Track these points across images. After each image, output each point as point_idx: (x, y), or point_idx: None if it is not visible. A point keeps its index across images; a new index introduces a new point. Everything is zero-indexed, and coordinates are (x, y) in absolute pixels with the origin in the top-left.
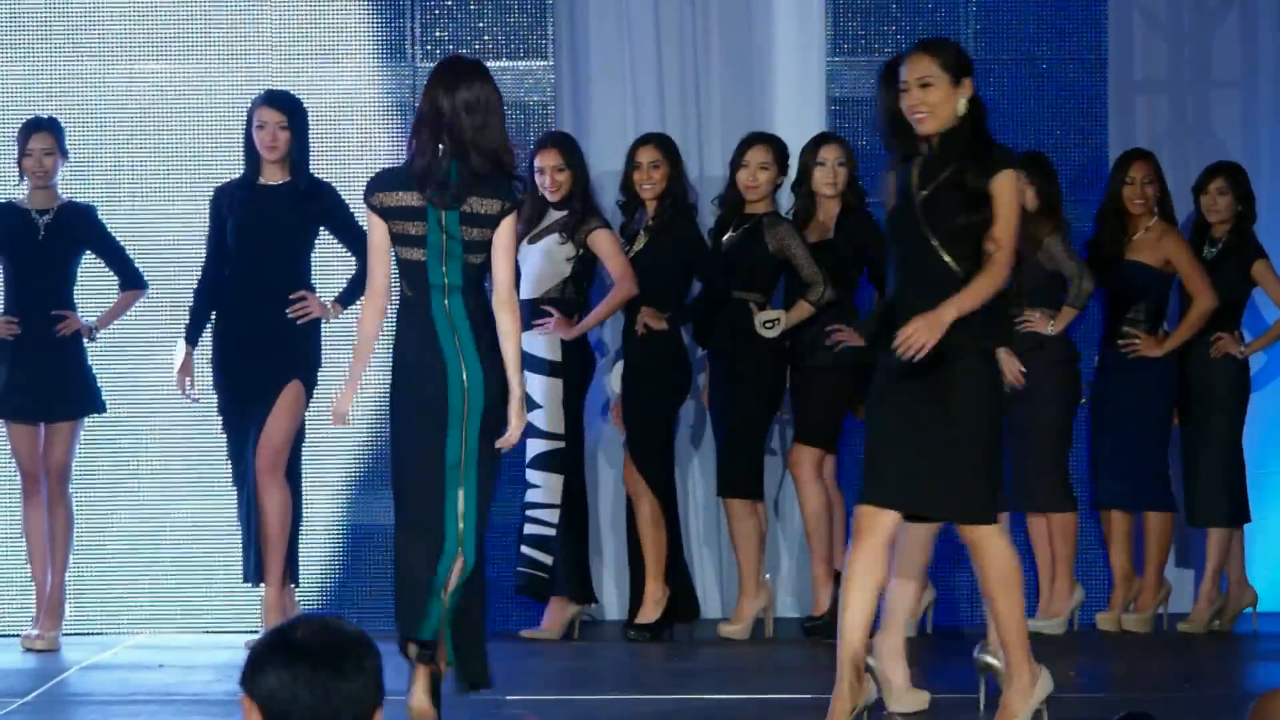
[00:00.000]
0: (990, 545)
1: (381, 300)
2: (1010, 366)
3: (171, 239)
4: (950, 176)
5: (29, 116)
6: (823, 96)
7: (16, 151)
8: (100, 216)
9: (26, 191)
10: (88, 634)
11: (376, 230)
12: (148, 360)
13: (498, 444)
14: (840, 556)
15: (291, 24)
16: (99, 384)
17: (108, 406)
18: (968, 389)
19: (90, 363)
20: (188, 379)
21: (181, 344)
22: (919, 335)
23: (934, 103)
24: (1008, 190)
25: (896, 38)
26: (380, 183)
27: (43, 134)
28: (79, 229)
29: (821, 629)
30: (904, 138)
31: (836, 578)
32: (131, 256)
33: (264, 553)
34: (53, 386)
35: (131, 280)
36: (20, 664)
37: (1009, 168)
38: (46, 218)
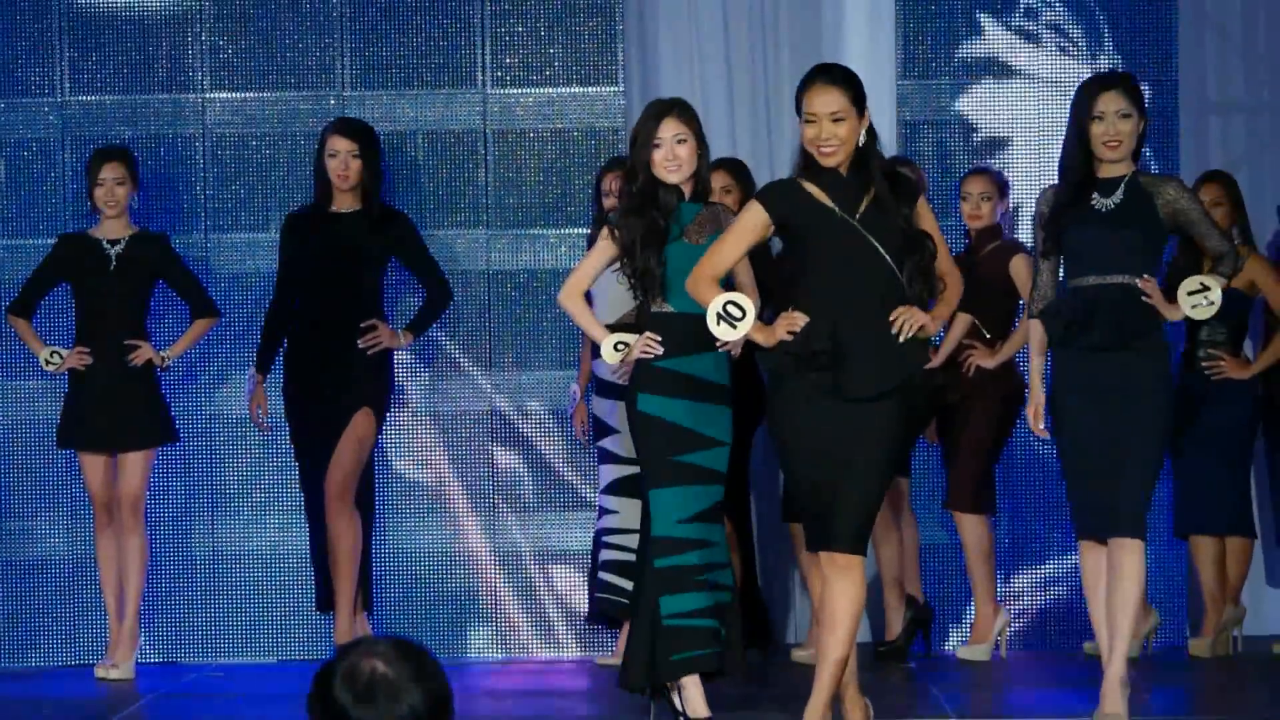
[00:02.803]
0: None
1: None
2: None
3: (245, 267)
4: (874, 202)
5: (101, 144)
6: (893, 119)
7: (87, 182)
8: (172, 244)
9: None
10: (161, 662)
11: None
12: (219, 386)
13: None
14: (912, 581)
15: (364, 52)
16: (172, 413)
17: (179, 436)
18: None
19: (164, 392)
20: (259, 407)
21: (253, 372)
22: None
23: (844, 136)
24: (929, 215)
25: (967, 61)
26: None
27: (114, 163)
28: (151, 258)
29: (894, 654)
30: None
31: (909, 602)
32: (204, 285)
33: (334, 580)
34: (124, 416)
35: (203, 309)
36: (95, 693)
37: (921, 194)
38: (118, 248)
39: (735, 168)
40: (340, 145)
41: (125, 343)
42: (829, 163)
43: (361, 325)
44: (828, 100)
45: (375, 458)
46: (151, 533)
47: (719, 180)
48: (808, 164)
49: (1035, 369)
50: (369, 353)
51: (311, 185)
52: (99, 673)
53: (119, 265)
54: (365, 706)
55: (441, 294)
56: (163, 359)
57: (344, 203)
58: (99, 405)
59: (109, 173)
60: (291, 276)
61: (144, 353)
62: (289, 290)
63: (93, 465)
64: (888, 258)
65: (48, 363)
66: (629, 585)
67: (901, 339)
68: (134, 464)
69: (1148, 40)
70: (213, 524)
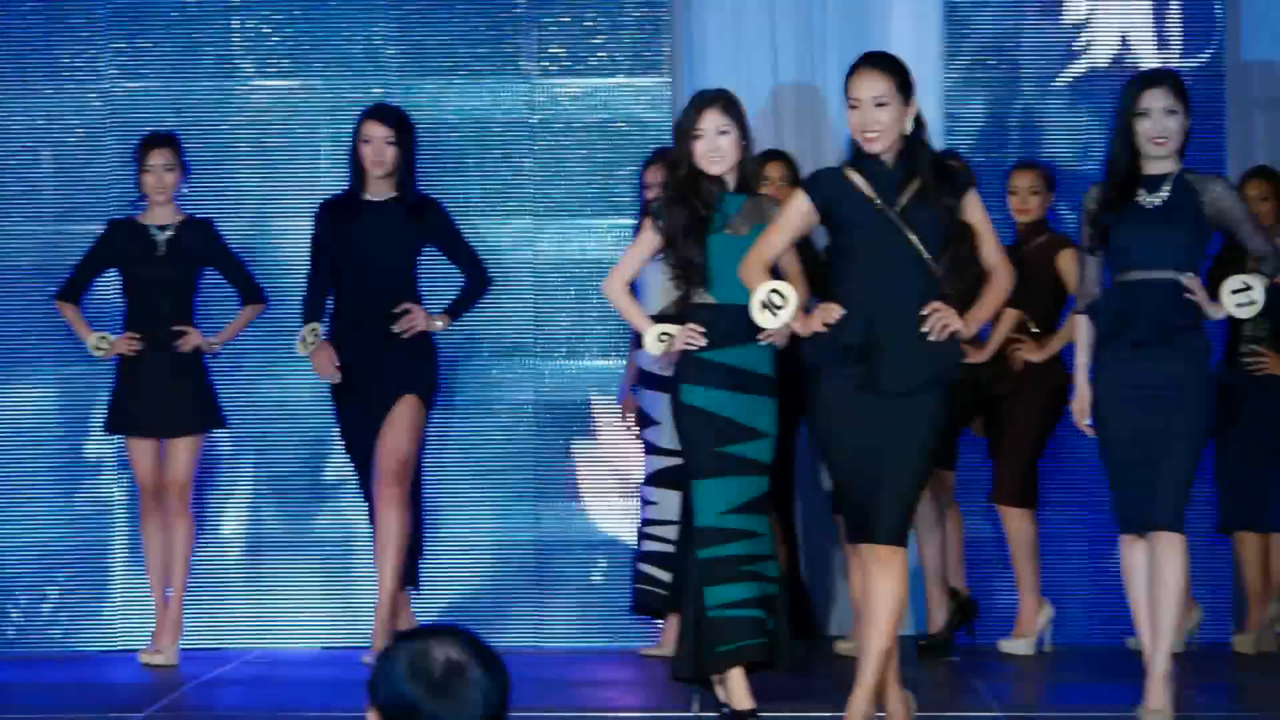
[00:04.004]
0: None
1: None
2: None
3: (291, 258)
4: (919, 193)
5: (149, 131)
6: (939, 113)
7: (135, 167)
8: (219, 230)
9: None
10: (206, 648)
11: None
12: (265, 376)
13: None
14: (955, 575)
15: (409, 40)
16: (219, 399)
17: (227, 422)
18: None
19: (212, 379)
20: (330, 361)
21: (313, 326)
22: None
23: (887, 122)
24: (979, 207)
25: (1014, 54)
26: None
27: (163, 149)
28: (199, 245)
29: (938, 647)
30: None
31: (952, 595)
32: (252, 271)
33: (379, 567)
34: (172, 402)
35: (251, 295)
36: (139, 679)
37: (971, 186)
38: (167, 234)
39: (784, 159)
40: (375, 131)
41: (173, 329)
42: (873, 149)
43: (395, 310)
44: (871, 85)
45: (422, 444)
46: (198, 519)
47: (776, 171)
48: (856, 153)
49: (1081, 364)
50: (405, 336)
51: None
52: (143, 658)
53: (168, 251)
54: (439, 695)
55: (479, 279)
56: (210, 345)
57: (379, 190)
58: (147, 391)
59: (158, 159)
60: (326, 264)
61: (192, 339)
62: (322, 279)
63: (141, 451)
64: (925, 251)
65: (96, 348)
66: (667, 577)
67: (933, 339)
68: (181, 450)
69: (1194, 34)
70: (259, 510)
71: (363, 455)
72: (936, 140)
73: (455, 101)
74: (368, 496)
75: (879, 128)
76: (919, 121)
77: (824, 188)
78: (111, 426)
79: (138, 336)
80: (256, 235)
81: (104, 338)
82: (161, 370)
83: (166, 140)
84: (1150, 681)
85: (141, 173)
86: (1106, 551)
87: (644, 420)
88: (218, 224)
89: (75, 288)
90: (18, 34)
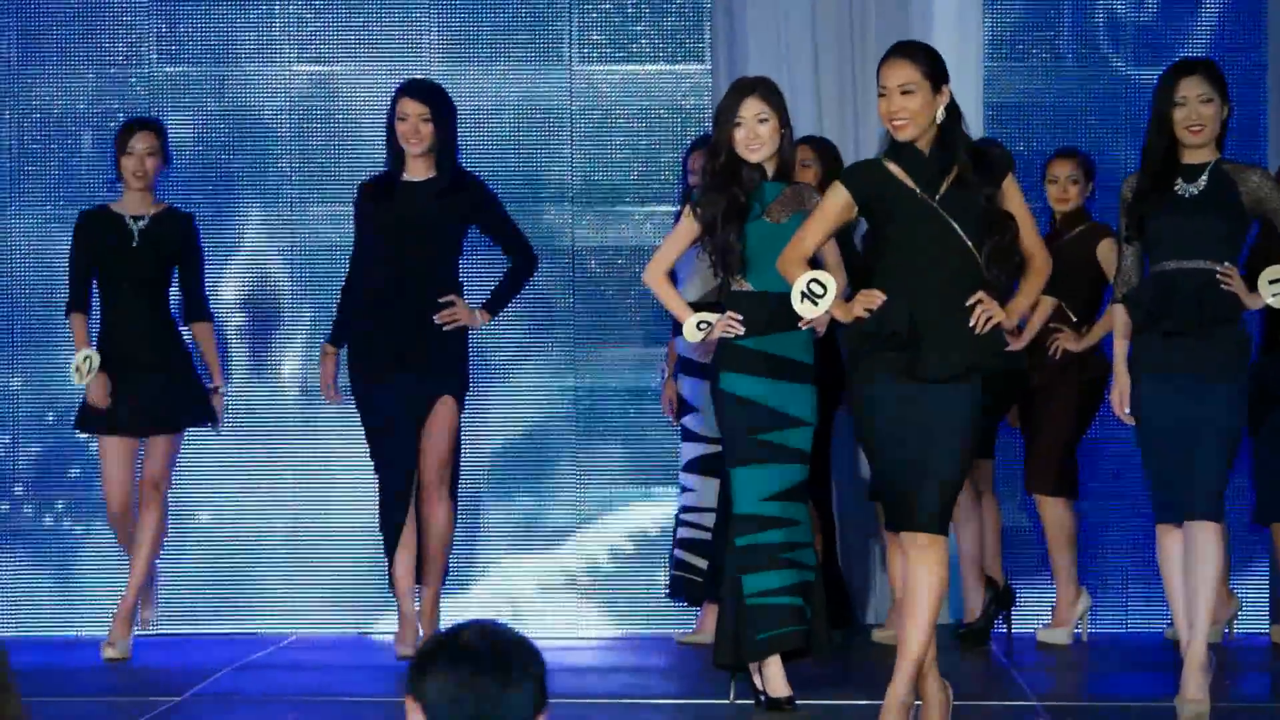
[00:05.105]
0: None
1: None
2: None
3: (327, 244)
4: (957, 181)
5: (187, 115)
6: (980, 102)
7: (115, 151)
8: (199, 227)
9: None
10: (243, 633)
11: None
12: (288, 362)
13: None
14: (993, 563)
15: (450, 27)
16: (206, 394)
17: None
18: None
19: (200, 376)
20: (332, 386)
21: (325, 345)
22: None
23: (914, 110)
24: (1017, 193)
25: (1056, 44)
26: None
27: (146, 133)
28: (174, 240)
29: (975, 636)
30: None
31: (990, 584)
32: (207, 286)
33: (424, 563)
34: (152, 400)
35: (198, 311)
36: (177, 663)
37: (1010, 173)
38: (142, 224)
39: (818, 145)
40: (410, 108)
41: (156, 320)
42: (902, 136)
43: (439, 300)
44: (896, 73)
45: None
46: (228, 508)
47: (799, 155)
48: (893, 144)
49: (1120, 354)
50: (444, 328)
51: None
52: (104, 652)
53: (142, 242)
54: (477, 682)
55: (525, 262)
56: (217, 394)
57: (417, 170)
58: (125, 392)
59: (140, 143)
60: (366, 249)
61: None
62: (365, 264)
63: (114, 454)
64: (967, 239)
65: (75, 368)
66: (704, 564)
67: (978, 331)
68: (158, 445)
69: (1236, 25)
70: (298, 498)
71: (384, 448)
72: (976, 129)
73: (496, 89)
74: (383, 485)
75: (906, 115)
76: (953, 110)
77: (862, 179)
78: (83, 425)
79: (111, 390)
80: (296, 221)
81: (89, 358)
82: (140, 369)
83: (151, 124)
84: (1187, 671)
85: (121, 155)
86: (1144, 541)
87: (683, 407)
88: (256, 209)
89: (78, 296)
90: (60, 18)
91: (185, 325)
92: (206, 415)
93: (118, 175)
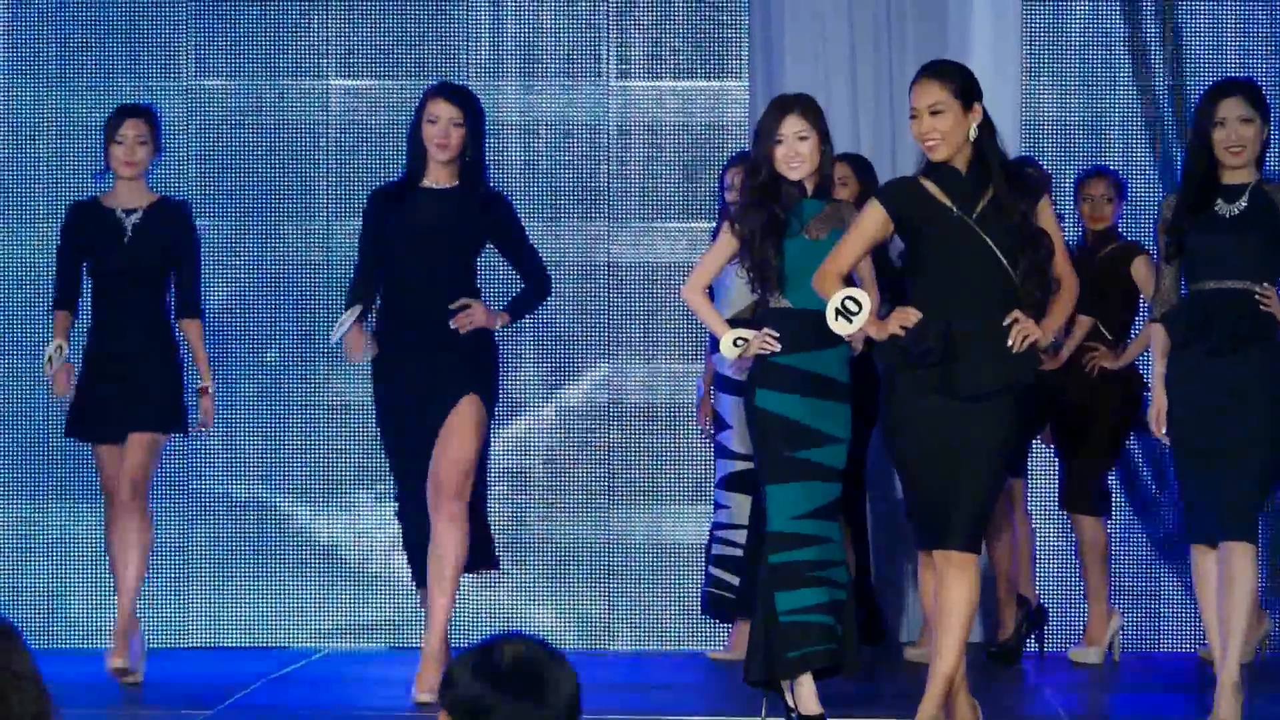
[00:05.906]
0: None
1: None
2: None
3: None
4: (993, 199)
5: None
6: (1016, 120)
7: (104, 139)
8: (195, 221)
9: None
10: (276, 645)
11: None
12: (313, 367)
13: None
14: (1026, 582)
15: (488, 42)
16: (184, 400)
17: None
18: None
19: (184, 378)
20: (364, 344)
21: (50, 348)
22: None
23: (945, 129)
24: (1050, 215)
25: (1093, 62)
26: None
27: (137, 120)
28: (169, 234)
29: (1006, 654)
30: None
31: (1022, 603)
32: (201, 281)
33: (430, 585)
34: (133, 400)
35: (189, 308)
36: (210, 675)
37: (1045, 193)
38: (134, 217)
39: (856, 162)
40: (442, 111)
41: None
42: (935, 156)
43: (453, 306)
44: (926, 94)
45: (491, 448)
46: (256, 517)
47: (836, 172)
48: (929, 162)
49: (1157, 373)
50: (462, 332)
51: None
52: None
53: (135, 237)
54: (511, 696)
55: (541, 286)
56: (206, 415)
57: (440, 177)
58: (109, 394)
59: (131, 129)
60: (373, 258)
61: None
62: (369, 274)
63: (109, 456)
64: (1002, 257)
65: (48, 359)
66: (737, 581)
67: (1015, 350)
68: (137, 445)
69: (1274, 45)
70: (330, 512)
71: (409, 462)
72: (1014, 149)
73: (534, 104)
74: (401, 500)
75: (937, 135)
76: (986, 127)
77: (898, 197)
78: (72, 431)
79: (87, 385)
80: (335, 233)
81: (60, 348)
82: (128, 368)
83: (143, 111)
84: (1220, 691)
85: (111, 144)
86: (1177, 560)
87: (719, 423)
88: (296, 221)
89: (65, 294)
90: (101, 32)
91: (175, 321)
92: (173, 424)
93: (107, 165)
